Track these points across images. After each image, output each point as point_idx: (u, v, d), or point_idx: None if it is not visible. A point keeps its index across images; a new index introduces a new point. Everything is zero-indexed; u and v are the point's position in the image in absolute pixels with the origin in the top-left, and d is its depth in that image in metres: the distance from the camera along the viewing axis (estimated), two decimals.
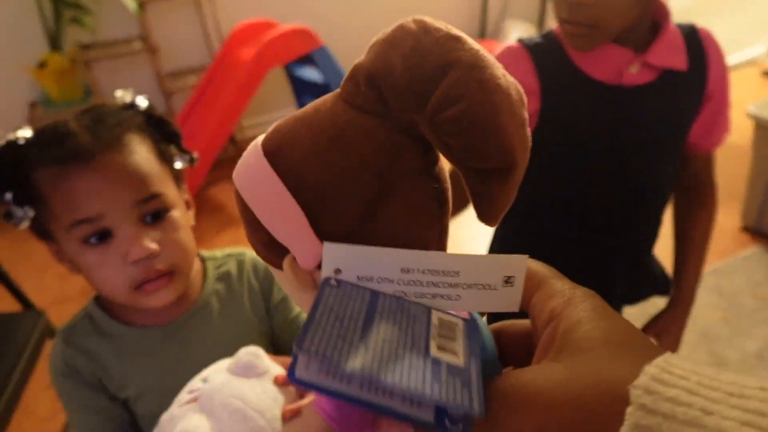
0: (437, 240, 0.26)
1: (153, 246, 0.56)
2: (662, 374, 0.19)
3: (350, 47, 3.11)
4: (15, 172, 0.55)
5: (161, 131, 0.63)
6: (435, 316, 0.23)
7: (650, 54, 0.71)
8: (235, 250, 0.74)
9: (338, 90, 0.25)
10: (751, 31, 3.47)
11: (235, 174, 0.26)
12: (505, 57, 0.74)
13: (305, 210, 0.24)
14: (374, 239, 0.24)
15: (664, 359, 0.20)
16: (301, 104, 3.02)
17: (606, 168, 0.74)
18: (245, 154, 0.26)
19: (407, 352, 0.21)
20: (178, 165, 0.64)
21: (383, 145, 0.24)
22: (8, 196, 0.55)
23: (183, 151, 0.65)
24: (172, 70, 2.74)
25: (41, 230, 0.60)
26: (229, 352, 0.66)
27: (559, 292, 0.24)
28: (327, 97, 0.25)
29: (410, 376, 0.20)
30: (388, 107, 0.23)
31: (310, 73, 2.72)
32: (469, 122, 0.21)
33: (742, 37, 3.44)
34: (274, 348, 0.73)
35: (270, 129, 0.26)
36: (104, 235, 0.56)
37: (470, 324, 0.23)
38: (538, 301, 0.24)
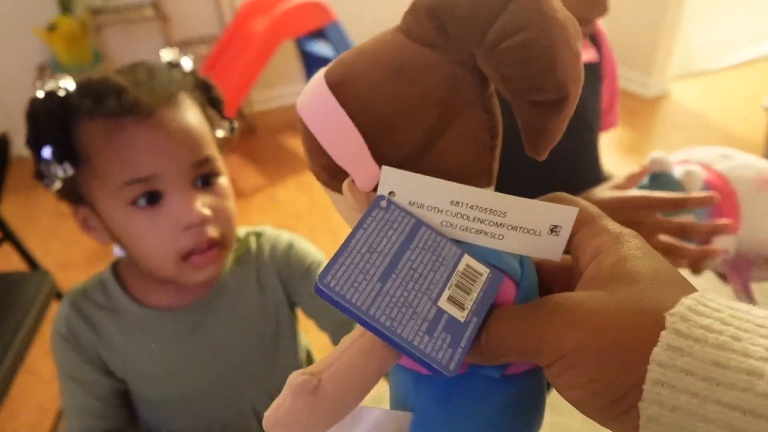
0: (488, 171, 0.26)
1: (206, 211, 0.53)
2: (698, 306, 0.21)
3: (363, 23, 3.06)
4: (56, 126, 0.51)
5: (207, 95, 0.60)
6: (464, 262, 0.24)
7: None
8: (253, 229, 0.69)
9: (398, 24, 0.25)
10: (764, 25, 3.42)
11: (298, 104, 0.27)
12: None
13: (366, 136, 0.25)
14: (429, 166, 0.25)
15: (701, 293, 0.21)
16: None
17: (562, 170, 0.71)
18: (309, 85, 0.27)
19: (417, 299, 0.23)
20: (220, 133, 0.61)
21: (444, 76, 0.24)
22: (47, 152, 0.51)
23: (224, 118, 0.61)
24: (182, 40, 2.71)
25: (73, 192, 0.55)
26: (244, 337, 0.61)
27: (606, 230, 0.25)
28: (387, 31, 0.26)
29: (408, 324, 0.22)
30: (449, 39, 0.23)
31: (322, 49, 2.69)
32: (528, 53, 0.21)
33: (755, 31, 3.39)
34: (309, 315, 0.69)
35: (333, 61, 0.26)
36: (153, 198, 0.52)
37: (495, 276, 0.25)
38: (583, 238, 0.25)
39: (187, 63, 0.60)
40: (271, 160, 2.67)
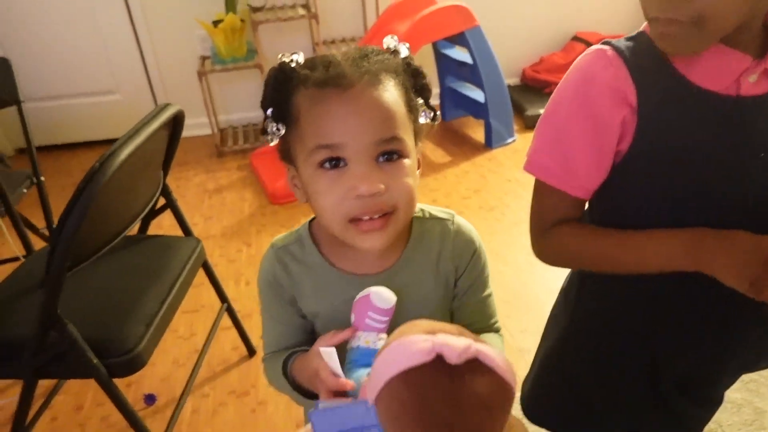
0: None
1: (380, 186, 0.57)
2: None
3: (500, 30, 3.02)
4: (277, 90, 0.59)
5: (415, 82, 0.62)
6: None
7: None
8: (445, 213, 0.72)
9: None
10: None
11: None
12: (593, 64, 0.63)
13: None
14: None
15: None
16: (444, 85, 3.01)
17: (725, 197, 0.61)
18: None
19: None
20: (422, 120, 0.63)
21: None
22: (269, 111, 0.60)
23: (429, 107, 0.64)
24: (327, 39, 2.85)
25: (286, 152, 0.63)
26: (412, 316, 0.63)
27: None
28: None
29: None
30: None
31: (459, 53, 2.70)
32: None
33: None
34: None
35: None
36: (338, 163, 0.58)
37: None
38: None
39: (403, 50, 0.63)
40: None
